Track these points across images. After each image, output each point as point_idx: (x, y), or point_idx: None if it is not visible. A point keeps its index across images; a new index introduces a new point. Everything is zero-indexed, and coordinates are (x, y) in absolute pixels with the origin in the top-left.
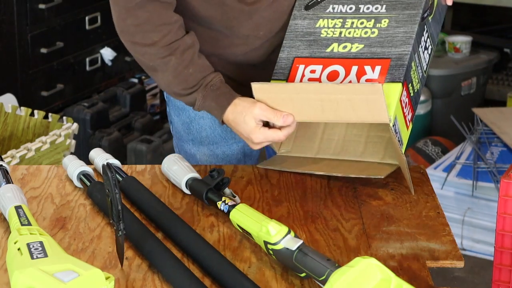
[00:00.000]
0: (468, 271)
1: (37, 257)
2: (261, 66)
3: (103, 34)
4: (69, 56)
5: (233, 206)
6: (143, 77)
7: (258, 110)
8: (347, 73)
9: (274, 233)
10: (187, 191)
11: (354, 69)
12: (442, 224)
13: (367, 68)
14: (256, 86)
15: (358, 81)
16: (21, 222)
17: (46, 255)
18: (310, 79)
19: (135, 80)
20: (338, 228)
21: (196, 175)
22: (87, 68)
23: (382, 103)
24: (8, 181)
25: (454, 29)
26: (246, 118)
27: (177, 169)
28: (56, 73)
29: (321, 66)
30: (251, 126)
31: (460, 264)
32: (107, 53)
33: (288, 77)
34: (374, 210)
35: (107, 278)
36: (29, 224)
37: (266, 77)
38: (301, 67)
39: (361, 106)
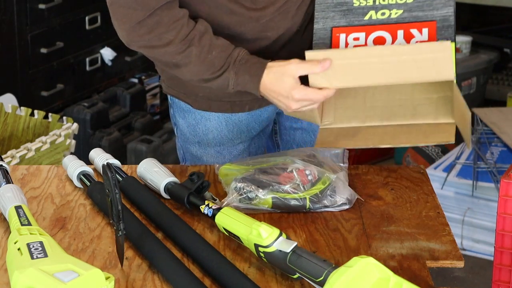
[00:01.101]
0: (468, 271)
1: (37, 257)
2: None
3: (103, 34)
4: (69, 56)
5: (218, 209)
6: (143, 77)
7: (294, 65)
8: (394, 38)
9: (266, 236)
10: (166, 196)
11: (400, 33)
12: (442, 224)
13: (414, 31)
14: (310, 54)
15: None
16: (21, 222)
17: (46, 255)
18: (355, 46)
19: (135, 80)
20: (338, 228)
21: (174, 179)
22: (87, 68)
23: (449, 61)
24: (8, 181)
25: None
26: (284, 76)
27: (155, 173)
28: (56, 73)
29: (363, 33)
30: (291, 82)
31: (460, 264)
32: (107, 53)
33: (330, 46)
34: (374, 210)
35: (107, 278)
36: (29, 224)
37: None
38: (342, 35)
39: (426, 65)
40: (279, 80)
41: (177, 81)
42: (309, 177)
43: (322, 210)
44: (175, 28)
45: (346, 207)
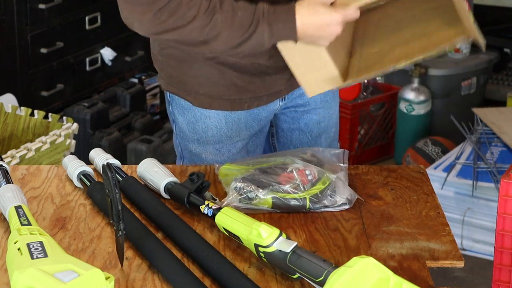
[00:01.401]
0: (468, 271)
1: (37, 257)
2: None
3: (103, 34)
4: (69, 56)
5: (218, 209)
6: (143, 77)
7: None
8: None
9: (266, 236)
10: (166, 196)
11: None
12: (442, 224)
13: None
14: None
15: None
16: (21, 222)
17: (46, 255)
18: None
19: (135, 80)
20: (338, 228)
21: (174, 179)
22: (87, 68)
23: None
24: (8, 181)
25: None
26: (317, 7)
27: (155, 173)
28: (56, 73)
29: None
30: (327, 10)
31: (460, 264)
32: (107, 53)
33: None
34: (374, 210)
35: (107, 278)
36: (29, 224)
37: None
38: None
39: None
40: (315, 13)
41: (177, 79)
42: (309, 177)
43: (322, 210)
44: (195, 3)
45: (346, 207)
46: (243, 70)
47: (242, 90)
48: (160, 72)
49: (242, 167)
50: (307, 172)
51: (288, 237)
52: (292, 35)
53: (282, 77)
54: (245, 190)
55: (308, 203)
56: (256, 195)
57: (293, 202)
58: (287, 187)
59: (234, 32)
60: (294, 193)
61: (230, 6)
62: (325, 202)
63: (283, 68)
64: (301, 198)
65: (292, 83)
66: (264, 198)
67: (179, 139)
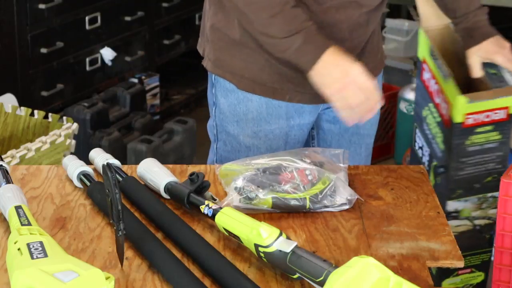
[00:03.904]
0: None
1: (37, 257)
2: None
3: (103, 34)
4: (69, 56)
5: (218, 209)
6: (143, 77)
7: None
8: None
9: (266, 236)
10: (166, 196)
11: None
12: (442, 224)
13: None
14: None
15: None
16: (21, 222)
17: (46, 255)
18: None
19: (135, 80)
20: (338, 228)
21: (174, 179)
22: (87, 68)
23: None
24: (8, 181)
25: None
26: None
27: (155, 173)
28: (56, 73)
29: None
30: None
31: (460, 264)
32: (107, 53)
33: None
34: (374, 210)
35: (107, 278)
36: (29, 224)
37: None
38: None
39: None
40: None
41: (224, 62)
42: (309, 177)
43: (322, 210)
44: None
45: (346, 207)
46: (288, 63)
47: (285, 80)
48: (208, 54)
49: (242, 167)
50: (307, 172)
51: (288, 237)
52: (310, 63)
53: None
54: (245, 190)
55: (308, 203)
56: (256, 195)
57: (293, 202)
58: (287, 187)
59: (277, 22)
60: (294, 193)
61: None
62: (325, 202)
63: None
64: (301, 198)
65: None
66: (264, 198)
67: (218, 121)
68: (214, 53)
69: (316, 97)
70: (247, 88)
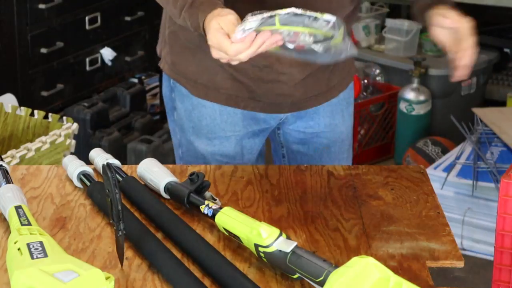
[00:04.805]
0: (468, 271)
1: (37, 257)
2: None
3: (103, 34)
4: (69, 56)
5: (218, 209)
6: (143, 77)
7: (232, 16)
8: None
9: (266, 236)
10: (166, 196)
11: None
12: (442, 224)
13: None
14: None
15: None
16: (21, 222)
17: (46, 255)
18: None
19: (135, 80)
20: (338, 228)
21: (174, 179)
22: (87, 68)
23: None
24: (8, 181)
25: None
26: (212, 21)
27: (155, 173)
28: (56, 73)
29: None
30: (213, 27)
31: (460, 264)
32: (107, 53)
33: None
34: (374, 210)
35: (107, 278)
36: (29, 224)
37: None
38: None
39: None
40: (210, 22)
41: (180, 66)
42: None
43: None
44: None
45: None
46: (242, 69)
47: (239, 87)
48: (166, 56)
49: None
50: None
51: (288, 237)
52: (199, 29)
53: (283, 93)
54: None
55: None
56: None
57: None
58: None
59: (170, 6)
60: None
61: None
62: None
63: (285, 83)
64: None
65: (298, 105)
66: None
67: (178, 126)
68: (171, 56)
69: (271, 106)
70: (200, 94)
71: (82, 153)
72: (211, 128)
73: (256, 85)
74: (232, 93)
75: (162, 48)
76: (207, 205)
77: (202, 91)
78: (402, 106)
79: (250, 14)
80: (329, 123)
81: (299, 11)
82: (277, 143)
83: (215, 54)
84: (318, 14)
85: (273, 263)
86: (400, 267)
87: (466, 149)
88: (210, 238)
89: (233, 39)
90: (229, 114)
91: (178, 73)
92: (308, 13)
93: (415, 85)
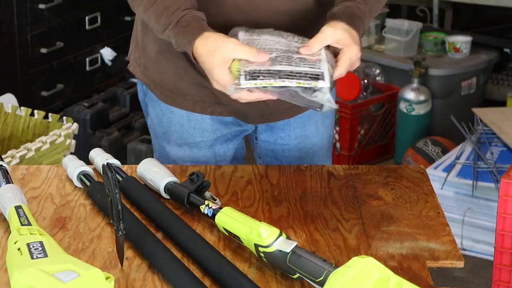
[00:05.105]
0: (468, 271)
1: (37, 257)
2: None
3: (103, 34)
4: (69, 56)
5: (218, 209)
6: None
7: (232, 45)
8: None
9: (266, 236)
10: (166, 196)
11: None
12: (442, 224)
13: None
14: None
15: None
16: (21, 222)
17: (46, 255)
18: None
19: (135, 80)
20: (338, 228)
21: (174, 179)
22: (87, 68)
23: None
24: (8, 181)
25: (454, 29)
26: (216, 52)
27: (155, 173)
28: (56, 73)
29: None
30: (218, 61)
31: (460, 264)
32: (107, 53)
33: None
34: (374, 210)
35: (107, 278)
36: (29, 224)
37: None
38: None
39: None
40: (210, 54)
41: (149, 71)
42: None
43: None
44: None
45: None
46: (207, 76)
47: (206, 93)
48: (137, 60)
49: None
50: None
51: (288, 237)
52: (190, 53)
53: (251, 103)
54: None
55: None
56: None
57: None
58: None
59: (152, 17)
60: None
61: None
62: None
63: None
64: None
65: (267, 117)
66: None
67: (152, 131)
68: (142, 60)
69: (238, 114)
70: (168, 100)
71: (82, 153)
72: (180, 134)
73: (221, 92)
74: (198, 99)
75: (133, 51)
76: (207, 205)
77: (169, 97)
78: (402, 106)
79: (242, 32)
80: (300, 135)
81: (292, 84)
82: (256, 154)
83: (218, 87)
84: (311, 83)
85: (273, 263)
86: (400, 267)
87: (466, 149)
88: (210, 238)
89: (228, 93)
90: (197, 120)
91: (148, 78)
92: (300, 84)
93: (415, 85)
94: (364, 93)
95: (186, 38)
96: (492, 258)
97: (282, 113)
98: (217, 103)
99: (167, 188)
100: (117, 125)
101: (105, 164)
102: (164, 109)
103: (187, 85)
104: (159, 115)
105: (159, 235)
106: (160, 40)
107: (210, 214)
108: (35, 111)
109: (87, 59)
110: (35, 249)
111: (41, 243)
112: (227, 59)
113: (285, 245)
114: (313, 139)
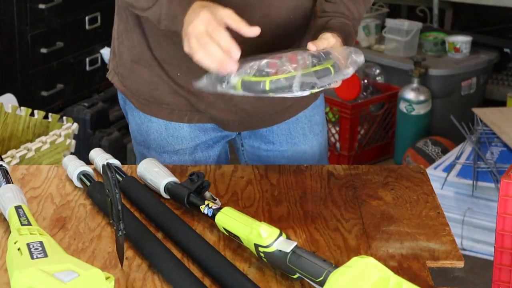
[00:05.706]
0: (468, 271)
1: (37, 257)
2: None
3: (103, 34)
4: (69, 56)
5: (218, 209)
6: None
7: (228, 10)
8: None
9: (266, 236)
10: (166, 196)
11: None
12: (442, 224)
13: None
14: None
15: None
16: (21, 222)
17: (46, 255)
18: None
19: None
20: (338, 228)
21: (174, 179)
22: (87, 68)
23: None
24: (8, 181)
25: (454, 29)
26: (210, 5)
27: (155, 173)
28: (56, 73)
29: None
30: (204, 14)
31: (460, 264)
32: (107, 53)
33: None
34: (374, 210)
35: (107, 278)
36: (29, 224)
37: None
38: None
39: None
40: (203, 6)
41: (127, 79)
42: (300, 62)
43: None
44: None
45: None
46: (181, 83)
47: (182, 101)
48: (115, 69)
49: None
50: (299, 57)
51: (288, 237)
52: (179, 24)
53: (230, 109)
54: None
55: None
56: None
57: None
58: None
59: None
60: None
61: None
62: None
63: (229, 102)
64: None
65: (247, 125)
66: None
67: (133, 139)
68: (119, 69)
69: (216, 120)
70: (145, 109)
71: (82, 153)
72: (159, 142)
73: (197, 99)
74: (175, 108)
75: (111, 60)
76: (207, 205)
77: (146, 106)
78: (402, 106)
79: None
80: (286, 142)
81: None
82: (241, 160)
83: (191, 42)
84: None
85: (273, 263)
86: (400, 267)
87: (466, 149)
88: (210, 238)
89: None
90: (175, 128)
91: (126, 87)
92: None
93: (415, 85)
94: (364, 93)
95: (183, 4)
96: (492, 258)
97: (263, 121)
98: (194, 110)
99: (167, 188)
100: (117, 125)
101: (105, 164)
102: (143, 118)
103: (162, 94)
104: (138, 123)
105: (159, 235)
106: (134, 48)
107: (210, 214)
108: (35, 111)
109: (87, 59)
110: (35, 249)
111: (41, 243)
112: (217, 14)
113: (285, 245)
114: (302, 147)
